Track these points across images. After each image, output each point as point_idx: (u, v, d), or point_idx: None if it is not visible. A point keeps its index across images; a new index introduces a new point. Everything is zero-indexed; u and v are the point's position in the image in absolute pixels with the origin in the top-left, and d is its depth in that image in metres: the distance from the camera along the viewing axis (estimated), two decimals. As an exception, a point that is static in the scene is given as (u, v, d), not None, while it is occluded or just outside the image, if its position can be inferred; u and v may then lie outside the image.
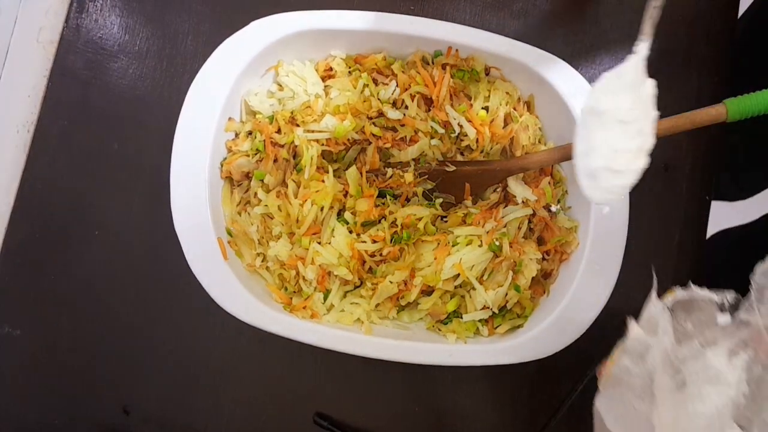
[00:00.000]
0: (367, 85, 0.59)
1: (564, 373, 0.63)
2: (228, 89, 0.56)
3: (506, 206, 0.59)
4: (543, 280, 0.60)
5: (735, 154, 0.83)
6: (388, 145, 0.60)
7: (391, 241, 0.57)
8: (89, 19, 0.65)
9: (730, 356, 0.33)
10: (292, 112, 0.60)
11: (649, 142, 0.37)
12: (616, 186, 0.37)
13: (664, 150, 0.64)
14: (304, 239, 0.57)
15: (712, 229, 0.92)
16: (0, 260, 0.64)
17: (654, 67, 0.65)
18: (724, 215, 0.95)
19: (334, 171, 0.60)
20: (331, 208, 0.59)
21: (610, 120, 0.37)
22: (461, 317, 0.58)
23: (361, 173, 0.59)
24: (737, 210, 0.97)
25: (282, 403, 0.63)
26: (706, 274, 0.85)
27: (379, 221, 0.59)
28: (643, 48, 0.38)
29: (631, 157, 0.37)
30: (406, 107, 0.59)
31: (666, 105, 0.65)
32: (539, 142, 0.61)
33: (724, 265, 0.86)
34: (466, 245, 0.57)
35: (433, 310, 0.58)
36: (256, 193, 0.59)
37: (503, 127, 0.60)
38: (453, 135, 0.60)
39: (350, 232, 0.58)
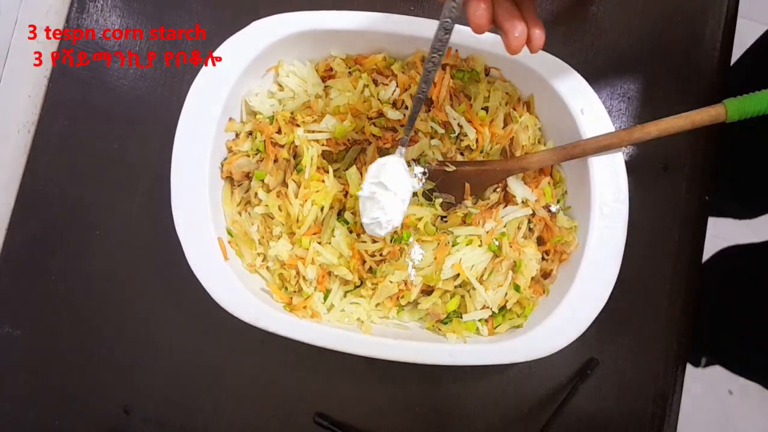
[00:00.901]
0: (367, 86, 0.59)
1: (563, 373, 0.63)
2: (228, 89, 0.56)
3: (506, 206, 0.59)
4: (542, 279, 0.60)
5: (738, 173, 0.83)
6: (388, 146, 0.60)
7: (391, 241, 0.57)
8: (90, 20, 0.65)
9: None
10: (292, 113, 0.60)
11: (397, 219, 0.54)
12: (377, 233, 0.55)
13: (664, 150, 0.64)
14: (304, 239, 0.57)
15: (723, 243, 0.92)
16: (0, 260, 0.64)
17: (654, 67, 0.66)
18: (738, 231, 0.95)
19: (335, 171, 0.60)
20: (332, 208, 0.59)
21: (371, 197, 0.53)
22: (461, 317, 0.58)
23: (361, 173, 0.59)
24: (751, 228, 0.96)
25: (282, 403, 0.63)
26: (716, 286, 0.85)
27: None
28: (398, 152, 0.55)
29: (381, 222, 0.54)
30: (406, 107, 0.59)
31: (665, 105, 0.65)
32: (539, 142, 0.61)
33: (735, 277, 0.85)
34: (466, 245, 0.57)
35: (433, 309, 0.58)
36: (256, 193, 0.59)
37: (503, 128, 0.60)
38: (453, 135, 0.60)
39: (350, 232, 0.58)
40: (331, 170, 0.59)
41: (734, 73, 0.68)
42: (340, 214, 0.59)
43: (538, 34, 0.45)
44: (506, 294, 0.57)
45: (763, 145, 0.76)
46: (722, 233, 0.95)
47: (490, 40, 0.57)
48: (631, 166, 0.57)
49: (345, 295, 0.59)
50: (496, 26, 0.45)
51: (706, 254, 0.65)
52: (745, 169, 0.82)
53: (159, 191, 0.63)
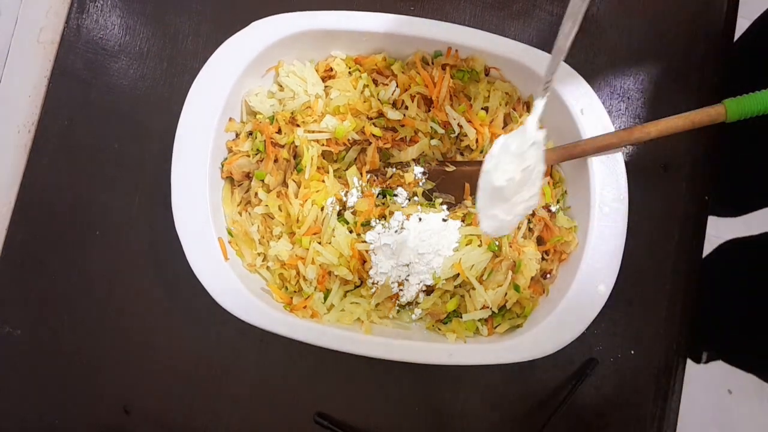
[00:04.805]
0: (367, 86, 0.59)
1: (563, 373, 0.63)
2: (228, 89, 0.57)
3: (506, 206, 0.59)
4: (542, 279, 0.60)
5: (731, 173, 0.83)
6: (388, 146, 0.60)
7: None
8: (90, 20, 0.65)
9: None
10: (292, 113, 0.60)
11: (535, 199, 0.46)
12: (508, 223, 0.46)
13: (664, 150, 0.65)
14: (304, 239, 0.57)
15: (723, 237, 0.92)
16: (0, 260, 0.64)
17: (654, 67, 0.66)
18: (737, 229, 0.95)
19: (335, 171, 0.60)
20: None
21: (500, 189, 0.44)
22: (461, 317, 0.58)
23: (361, 173, 0.59)
24: (746, 223, 0.96)
25: (282, 403, 0.63)
26: (716, 280, 0.85)
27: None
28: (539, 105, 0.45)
29: (525, 206, 0.46)
30: (406, 107, 0.60)
31: (665, 105, 0.65)
32: (539, 142, 0.61)
33: (734, 271, 0.85)
34: (466, 245, 0.57)
35: (433, 309, 0.58)
36: (256, 193, 0.59)
37: (503, 128, 0.60)
38: (453, 135, 0.60)
39: (350, 232, 0.58)
40: (331, 170, 0.59)
41: (735, 65, 0.68)
42: (340, 214, 0.59)
43: None
44: (506, 294, 0.57)
45: (753, 147, 0.76)
46: (722, 233, 0.95)
47: (490, 40, 0.57)
48: (631, 166, 0.57)
49: (345, 295, 0.59)
50: None
51: (706, 253, 0.65)
52: (738, 169, 0.82)
53: (159, 191, 0.63)
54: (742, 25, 0.68)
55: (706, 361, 0.98)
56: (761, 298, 0.76)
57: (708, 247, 0.65)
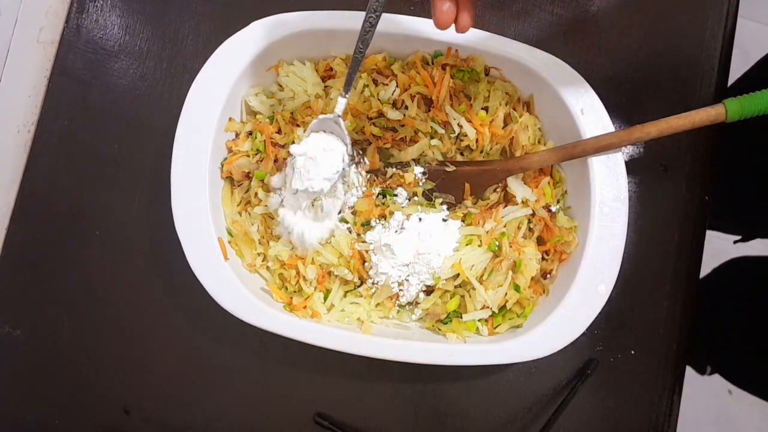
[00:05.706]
0: (367, 86, 0.59)
1: (563, 373, 0.63)
2: (228, 89, 0.56)
3: (506, 206, 0.60)
4: (542, 279, 0.60)
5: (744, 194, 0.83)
6: (388, 146, 0.60)
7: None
8: (89, 20, 0.65)
9: None
10: (292, 113, 0.60)
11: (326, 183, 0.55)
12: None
13: (664, 150, 0.64)
14: (304, 239, 0.57)
15: (723, 244, 0.92)
16: (0, 260, 0.64)
17: (654, 67, 0.66)
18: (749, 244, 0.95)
19: (335, 171, 0.60)
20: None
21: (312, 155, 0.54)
22: (461, 317, 0.58)
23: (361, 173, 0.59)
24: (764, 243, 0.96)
25: (282, 403, 0.63)
26: (723, 297, 0.84)
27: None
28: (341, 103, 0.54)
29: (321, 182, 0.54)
30: (406, 107, 0.59)
31: (665, 105, 0.65)
32: (539, 142, 0.61)
33: (742, 289, 0.85)
34: (466, 245, 0.57)
35: (433, 309, 0.58)
36: (256, 193, 0.59)
37: (503, 128, 0.60)
38: (453, 135, 0.60)
39: (350, 231, 0.58)
40: (331, 170, 0.59)
41: (742, 83, 0.68)
42: (339, 213, 0.59)
43: (465, 19, 0.46)
44: (506, 294, 0.57)
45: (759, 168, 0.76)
46: (723, 234, 0.95)
47: (490, 40, 0.57)
48: (631, 166, 0.57)
49: (345, 295, 0.59)
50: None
51: (706, 255, 0.65)
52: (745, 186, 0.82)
53: (159, 191, 0.63)
54: (742, 24, 0.67)
55: (711, 374, 0.98)
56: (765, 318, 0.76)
57: (708, 249, 0.65)
